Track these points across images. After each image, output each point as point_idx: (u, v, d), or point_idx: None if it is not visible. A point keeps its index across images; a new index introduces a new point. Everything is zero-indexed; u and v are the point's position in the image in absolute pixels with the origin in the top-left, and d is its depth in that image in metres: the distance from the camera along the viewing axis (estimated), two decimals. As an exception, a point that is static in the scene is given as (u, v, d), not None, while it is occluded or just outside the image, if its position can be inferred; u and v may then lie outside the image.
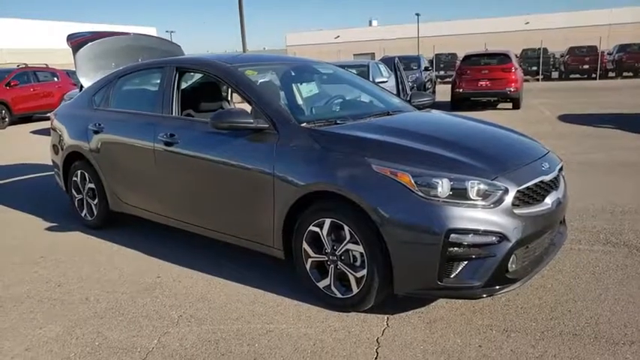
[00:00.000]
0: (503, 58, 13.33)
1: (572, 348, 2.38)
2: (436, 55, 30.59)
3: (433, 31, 51.80)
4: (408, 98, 4.12)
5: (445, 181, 2.48)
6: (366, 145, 2.77)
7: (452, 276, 2.48)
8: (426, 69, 16.33)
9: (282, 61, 4.23)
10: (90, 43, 4.80)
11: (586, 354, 2.34)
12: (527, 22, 56.51)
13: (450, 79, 16.89)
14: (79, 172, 4.48)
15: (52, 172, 5.13)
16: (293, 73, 4.06)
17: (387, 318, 2.74)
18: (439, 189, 2.47)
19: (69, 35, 4.92)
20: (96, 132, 4.19)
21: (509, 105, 13.21)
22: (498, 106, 13.60)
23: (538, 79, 27.20)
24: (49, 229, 4.58)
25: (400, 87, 9.38)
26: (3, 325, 2.86)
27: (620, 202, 4.61)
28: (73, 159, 4.54)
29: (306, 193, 2.82)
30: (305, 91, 3.94)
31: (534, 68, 28.14)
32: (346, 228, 2.68)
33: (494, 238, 2.46)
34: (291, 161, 2.91)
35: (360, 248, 2.65)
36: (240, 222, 3.24)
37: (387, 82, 9.50)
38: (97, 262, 3.73)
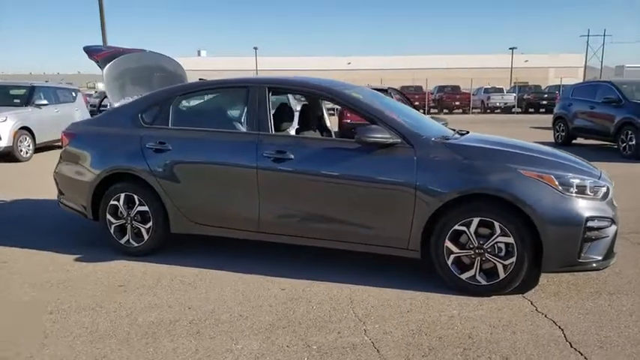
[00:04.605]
0: (384, 93, 15.07)
1: (665, 299, 3.31)
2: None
3: (269, 65, 54.17)
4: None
5: (575, 180, 3.25)
6: (504, 155, 3.40)
7: (585, 254, 3.23)
8: None
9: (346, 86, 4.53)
10: (114, 61, 4.53)
11: (677, 301, 3.28)
12: (349, 63, 63.06)
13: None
14: (122, 195, 4.16)
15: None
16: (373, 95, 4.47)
17: (523, 296, 3.36)
18: (574, 187, 3.23)
19: (88, 48, 4.55)
20: (159, 151, 4.01)
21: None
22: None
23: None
24: (80, 259, 4.13)
25: None
26: (189, 349, 2.71)
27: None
28: (111, 182, 4.21)
29: (452, 199, 3.31)
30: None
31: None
32: (496, 224, 3.25)
33: (607, 222, 3.29)
34: (435, 171, 3.37)
35: (510, 239, 3.24)
36: (372, 230, 3.54)
37: None
38: (192, 286, 3.58)
